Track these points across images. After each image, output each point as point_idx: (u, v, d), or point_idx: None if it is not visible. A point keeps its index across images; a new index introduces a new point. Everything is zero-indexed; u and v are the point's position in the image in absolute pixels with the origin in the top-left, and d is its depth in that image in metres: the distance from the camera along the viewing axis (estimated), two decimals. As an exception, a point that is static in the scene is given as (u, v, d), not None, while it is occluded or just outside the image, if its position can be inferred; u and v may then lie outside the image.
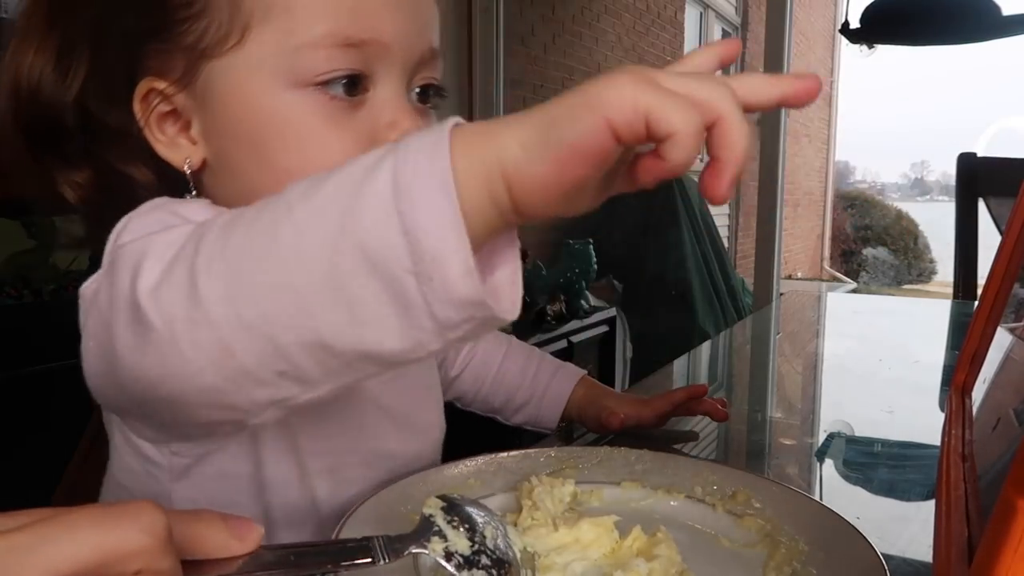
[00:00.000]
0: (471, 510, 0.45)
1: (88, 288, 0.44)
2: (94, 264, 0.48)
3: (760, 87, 0.33)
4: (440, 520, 0.43)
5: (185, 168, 0.50)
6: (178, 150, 0.50)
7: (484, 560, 0.42)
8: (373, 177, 0.32)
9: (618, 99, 0.30)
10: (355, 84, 0.48)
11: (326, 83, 0.47)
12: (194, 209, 0.48)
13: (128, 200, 0.49)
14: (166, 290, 0.37)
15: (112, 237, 0.45)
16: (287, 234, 0.34)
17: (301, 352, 0.35)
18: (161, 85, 0.49)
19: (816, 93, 0.33)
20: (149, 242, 0.40)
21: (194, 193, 0.51)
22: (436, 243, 0.31)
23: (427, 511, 0.44)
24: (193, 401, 0.39)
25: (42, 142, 0.51)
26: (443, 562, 0.41)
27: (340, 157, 0.45)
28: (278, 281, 0.34)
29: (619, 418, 0.76)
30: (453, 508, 0.44)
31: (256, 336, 0.35)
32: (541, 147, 0.31)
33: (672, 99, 0.30)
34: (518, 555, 0.46)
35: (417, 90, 0.53)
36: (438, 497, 0.45)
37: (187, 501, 0.52)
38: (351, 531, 0.49)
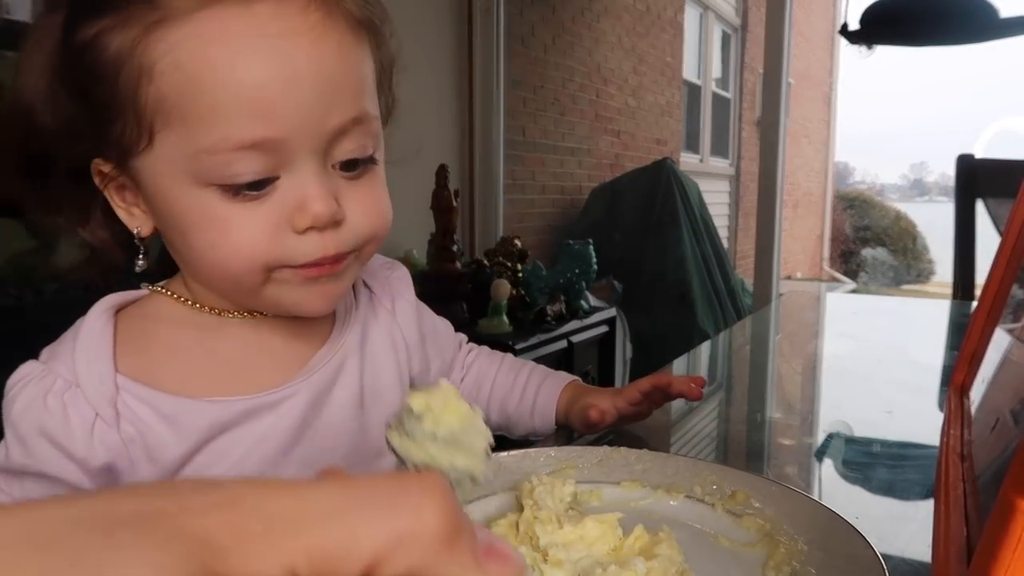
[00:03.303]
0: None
1: None
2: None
3: None
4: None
5: (135, 234, 0.54)
6: (132, 218, 0.54)
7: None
8: None
9: None
10: (260, 182, 0.49)
11: (231, 184, 0.48)
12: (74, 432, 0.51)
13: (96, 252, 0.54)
14: None
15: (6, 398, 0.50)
16: None
17: None
18: (106, 168, 0.52)
19: None
20: None
21: (141, 257, 0.55)
22: None
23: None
24: None
25: (33, 165, 0.53)
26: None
27: (248, 246, 0.49)
28: None
29: (598, 410, 0.76)
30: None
31: None
32: None
33: None
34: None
35: (341, 163, 0.52)
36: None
37: None
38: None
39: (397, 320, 0.70)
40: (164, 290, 0.57)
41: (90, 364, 0.52)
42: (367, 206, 0.54)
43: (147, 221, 0.54)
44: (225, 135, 0.47)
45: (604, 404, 0.76)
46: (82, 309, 0.54)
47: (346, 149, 0.51)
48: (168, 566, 0.17)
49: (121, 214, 0.54)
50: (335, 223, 0.51)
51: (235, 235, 0.49)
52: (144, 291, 0.58)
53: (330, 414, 0.60)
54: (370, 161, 0.54)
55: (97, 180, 0.53)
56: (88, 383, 0.52)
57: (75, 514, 0.19)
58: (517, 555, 0.21)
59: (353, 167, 0.53)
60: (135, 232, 0.54)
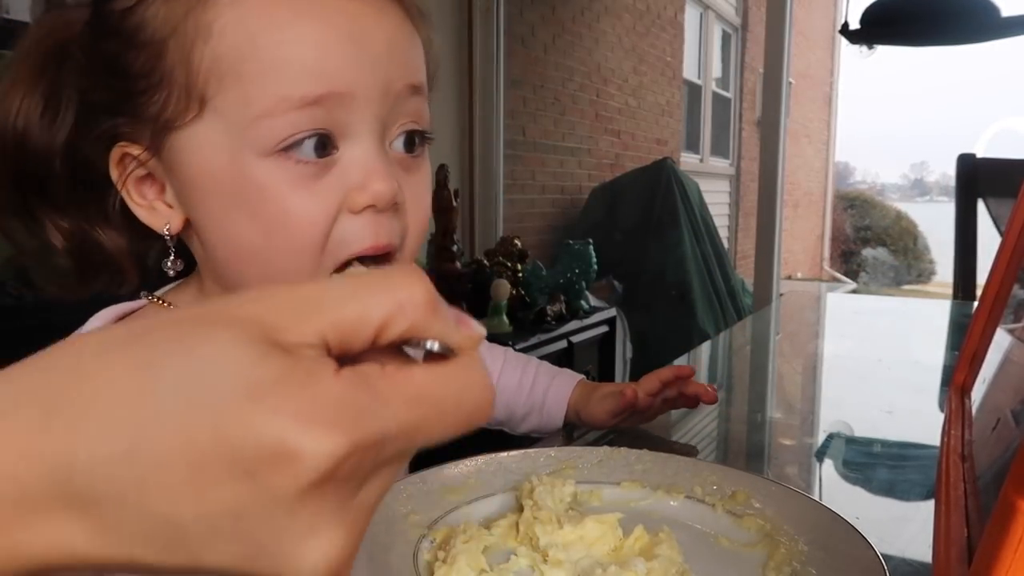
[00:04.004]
0: None
1: None
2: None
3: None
4: None
5: (164, 232, 0.50)
6: (156, 215, 0.50)
7: None
8: None
9: None
10: (322, 145, 0.46)
11: (289, 147, 0.45)
12: None
13: (104, 260, 0.51)
14: None
15: None
16: None
17: None
18: (135, 151, 0.48)
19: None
20: None
21: (171, 257, 0.51)
22: None
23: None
24: None
25: (29, 187, 0.50)
26: None
27: (308, 223, 0.46)
28: None
29: (632, 389, 0.75)
30: None
31: None
32: None
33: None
34: None
35: (401, 138, 0.50)
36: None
37: None
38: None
39: None
40: (164, 302, 0.54)
41: None
42: (420, 195, 0.51)
43: (176, 214, 0.49)
44: (286, 93, 0.44)
45: (633, 386, 0.76)
46: (83, 309, 0.53)
47: (403, 122, 0.49)
48: (239, 336, 0.21)
49: (141, 212, 0.49)
50: (393, 206, 0.48)
51: (293, 211, 0.46)
52: (143, 302, 0.54)
53: None
54: (425, 140, 0.52)
55: (116, 174, 0.49)
56: None
57: (137, 327, 0.22)
58: (479, 325, 0.27)
59: (411, 145, 0.50)
60: (164, 229, 0.49)
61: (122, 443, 0.20)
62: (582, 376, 0.82)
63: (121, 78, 0.46)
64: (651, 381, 0.77)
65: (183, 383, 0.21)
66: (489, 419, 0.25)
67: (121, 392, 0.21)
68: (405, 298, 0.23)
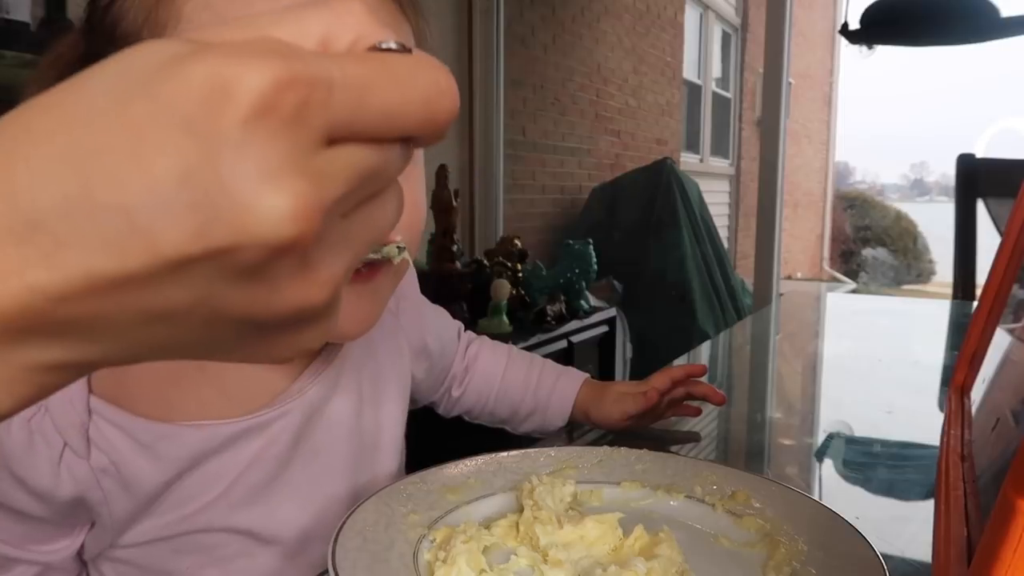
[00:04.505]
0: None
1: None
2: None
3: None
4: None
5: None
6: None
7: None
8: None
9: None
10: None
11: None
12: None
13: None
14: None
15: None
16: None
17: None
18: None
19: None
20: None
21: None
22: None
23: None
24: None
25: None
26: None
27: None
28: None
29: (655, 391, 0.75)
30: None
31: None
32: None
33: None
34: None
35: None
36: None
37: None
38: (351, 531, 0.49)
39: (402, 323, 0.68)
40: None
41: None
42: (410, 191, 0.50)
43: None
44: None
45: (655, 387, 0.76)
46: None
47: None
48: (166, 40, 0.20)
49: None
50: None
51: None
52: None
53: (325, 431, 0.58)
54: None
55: None
56: (57, 407, 0.48)
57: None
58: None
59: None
60: None
61: (57, 146, 0.19)
62: (587, 375, 0.82)
63: None
64: (662, 379, 0.77)
65: (111, 75, 0.19)
66: (454, 107, 0.23)
67: (51, 106, 0.20)
68: (343, 9, 0.22)
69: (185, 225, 0.19)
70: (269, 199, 0.19)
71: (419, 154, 0.53)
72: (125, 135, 0.19)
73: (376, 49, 0.22)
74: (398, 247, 0.47)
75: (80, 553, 0.55)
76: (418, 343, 0.70)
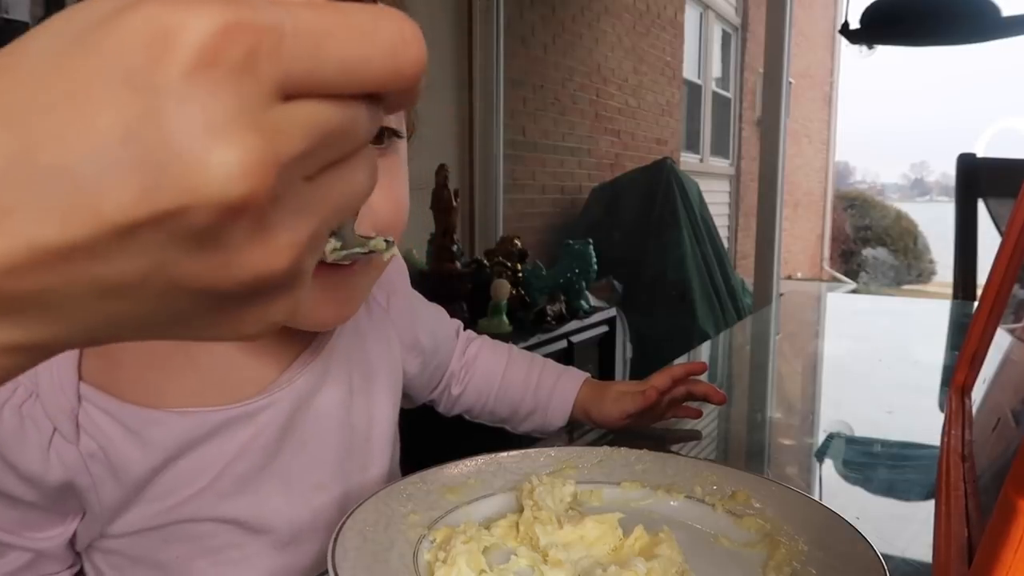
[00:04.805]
0: None
1: None
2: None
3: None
4: None
5: None
6: None
7: None
8: None
9: None
10: None
11: None
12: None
13: None
14: None
15: None
16: None
17: None
18: None
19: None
20: None
21: None
22: None
23: None
24: None
25: None
26: None
27: None
28: None
29: (655, 389, 0.75)
30: None
31: None
32: None
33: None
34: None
35: None
36: None
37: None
38: (351, 531, 0.49)
39: (391, 317, 0.68)
40: None
41: (52, 370, 0.49)
42: (387, 190, 0.50)
43: None
44: None
45: (655, 386, 0.75)
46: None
47: None
48: (111, 2, 0.18)
49: None
50: None
51: None
52: None
53: (314, 422, 0.58)
54: (394, 134, 0.50)
55: None
56: (48, 392, 0.49)
57: None
58: None
59: (379, 139, 0.48)
60: None
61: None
62: (588, 375, 0.82)
63: None
64: (662, 378, 0.77)
65: (53, 32, 0.18)
66: (421, 58, 0.21)
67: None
68: None
69: (130, 187, 0.17)
70: (217, 155, 0.17)
71: (403, 150, 0.53)
72: (67, 92, 0.17)
73: None
74: (386, 241, 0.46)
75: (73, 543, 0.55)
76: (409, 338, 0.70)
